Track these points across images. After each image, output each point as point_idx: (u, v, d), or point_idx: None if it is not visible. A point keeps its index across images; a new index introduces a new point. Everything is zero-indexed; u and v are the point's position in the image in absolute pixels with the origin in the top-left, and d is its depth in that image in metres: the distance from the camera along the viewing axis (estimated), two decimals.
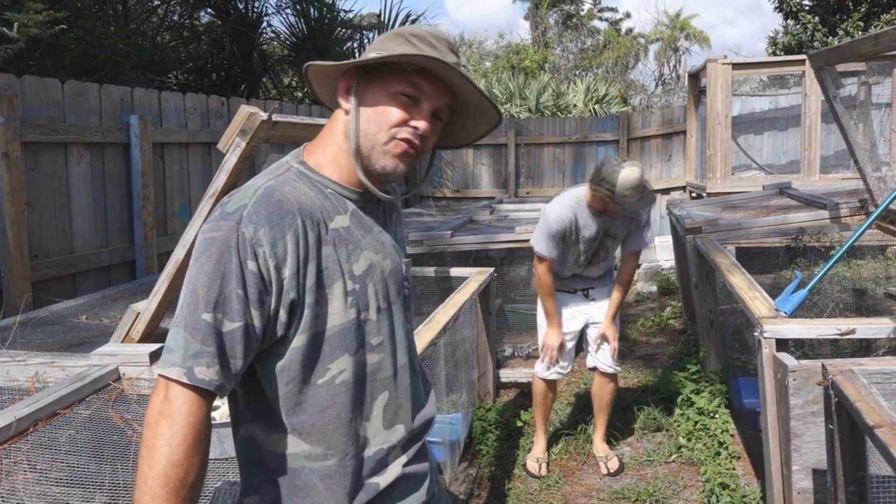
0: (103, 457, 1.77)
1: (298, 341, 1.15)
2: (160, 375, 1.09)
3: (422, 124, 1.20)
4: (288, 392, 1.17)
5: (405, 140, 1.20)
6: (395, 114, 1.19)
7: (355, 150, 1.20)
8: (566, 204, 3.31)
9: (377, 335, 1.23)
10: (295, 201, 1.15)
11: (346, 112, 1.22)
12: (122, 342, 2.36)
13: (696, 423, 3.73)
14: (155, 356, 2.20)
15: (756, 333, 2.51)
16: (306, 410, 1.17)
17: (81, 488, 1.65)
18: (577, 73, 18.82)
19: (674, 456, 3.62)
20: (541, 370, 3.56)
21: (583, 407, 4.27)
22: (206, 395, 1.09)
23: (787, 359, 2.33)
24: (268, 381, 1.17)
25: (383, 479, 1.24)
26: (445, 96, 1.22)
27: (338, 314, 1.17)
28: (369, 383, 1.22)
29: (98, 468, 1.72)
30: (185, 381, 1.06)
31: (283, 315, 1.13)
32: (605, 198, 3.14)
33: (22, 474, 1.68)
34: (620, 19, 21.19)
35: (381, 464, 1.24)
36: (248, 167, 2.28)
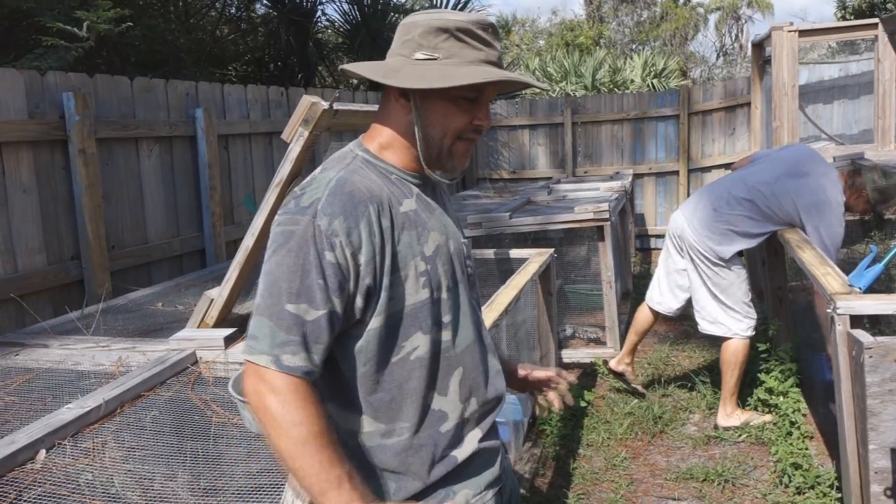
0: (184, 435, 1.86)
1: (375, 322, 1.20)
2: (248, 361, 1.14)
3: (485, 122, 1.25)
4: (366, 371, 1.22)
5: (469, 139, 1.26)
6: (461, 119, 1.23)
7: (424, 157, 1.25)
8: (839, 188, 3.48)
9: (448, 313, 1.27)
10: (366, 190, 1.19)
11: (404, 108, 1.25)
12: (198, 327, 2.46)
13: (765, 402, 3.65)
14: (230, 340, 2.29)
15: (829, 310, 2.44)
16: (383, 387, 1.22)
17: (166, 466, 1.74)
18: (634, 47, 18.40)
19: (743, 436, 3.56)
20: (749, 329, 3.69)
21: (646, 386, 4.23)
22: (296, 377, 1.14)
23: (862, 335, 2.26)
24: (346, 362, 1.22)
25: (461, 453, 1.28)
26: (499, 85, 1.26)
27: (412, 294, 1.22)
28: (444, 359, 1.26)
29: (180, 447, 1.81)
30: (273, 368, 1.12)
31: (359, 300, 1.18)
32: (865, 203, 3.52)
33: (111, 452, 1.78)
34: None
35: (458, 437, 1.28)
36: (310, 156, 2.33)
